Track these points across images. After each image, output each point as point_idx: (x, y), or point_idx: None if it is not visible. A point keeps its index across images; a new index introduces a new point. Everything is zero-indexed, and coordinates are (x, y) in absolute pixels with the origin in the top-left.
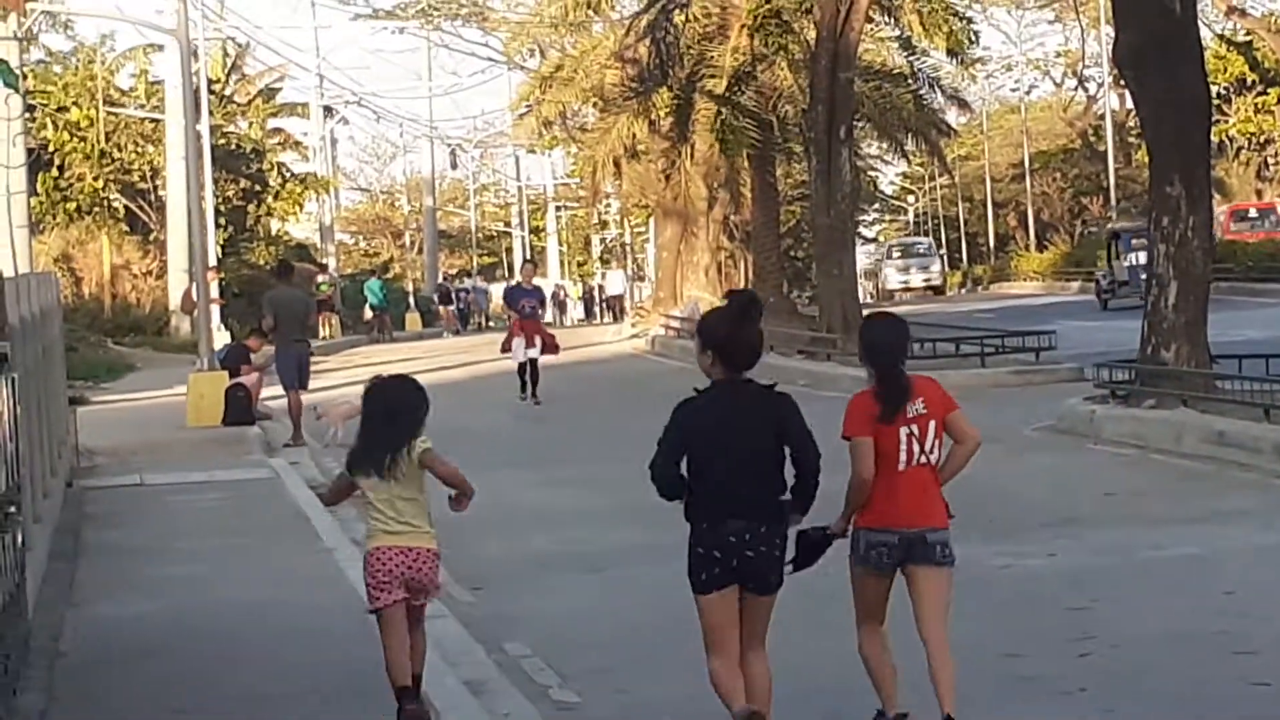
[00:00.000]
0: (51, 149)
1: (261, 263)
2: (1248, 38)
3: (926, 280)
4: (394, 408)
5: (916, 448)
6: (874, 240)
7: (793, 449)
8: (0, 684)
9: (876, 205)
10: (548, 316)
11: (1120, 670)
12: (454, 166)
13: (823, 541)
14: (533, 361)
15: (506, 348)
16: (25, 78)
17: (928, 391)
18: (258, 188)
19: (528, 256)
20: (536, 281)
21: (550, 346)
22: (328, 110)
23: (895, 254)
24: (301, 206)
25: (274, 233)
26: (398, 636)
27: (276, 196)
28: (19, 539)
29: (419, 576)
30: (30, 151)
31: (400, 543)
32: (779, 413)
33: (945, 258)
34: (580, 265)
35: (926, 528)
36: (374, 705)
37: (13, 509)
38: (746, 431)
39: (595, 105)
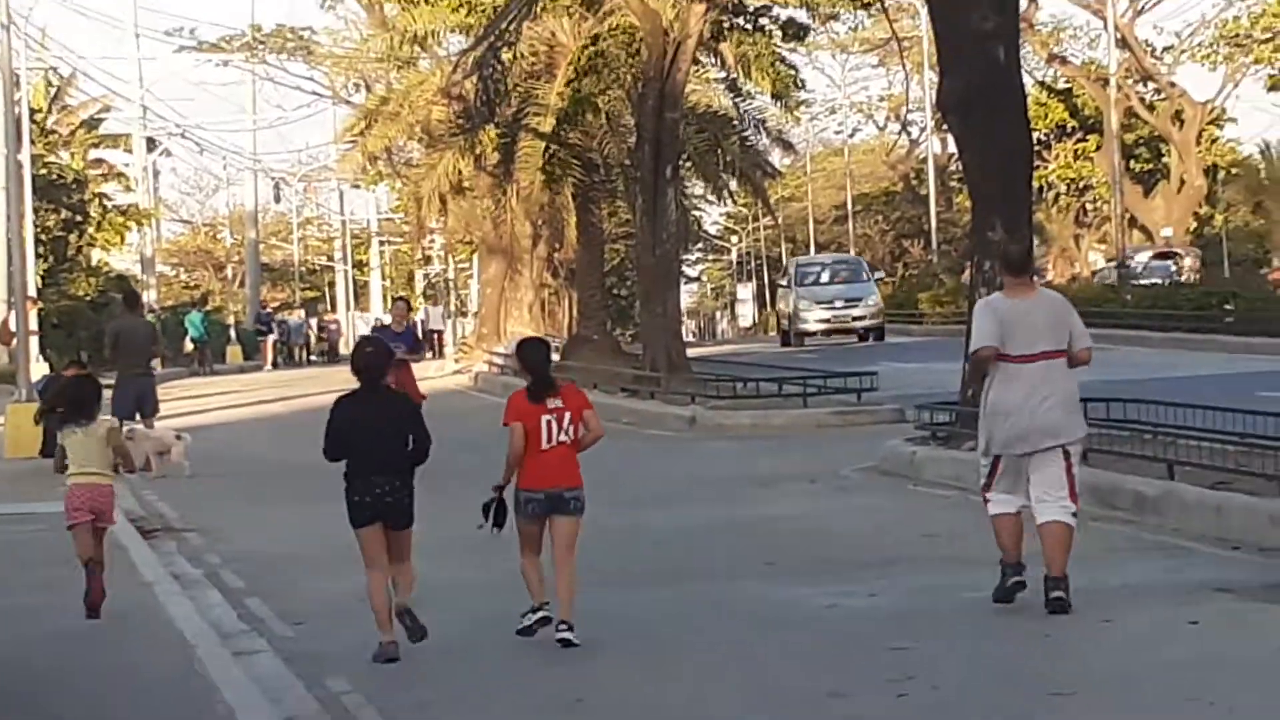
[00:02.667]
0: None
1: (82, 294)
2: (1068, 85)
3: (859, 318)
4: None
5: (556, 431)
6: (696, 279)
7: (416, 432)
8: None
9: (700, 245)
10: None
11: (940, 710)
12: (277, 200)
13: (497, 501)
14: None
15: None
16: None
17: (567, 393)
18: (79, 218)
19: (398, 295)
20: (424, 316)
21: (415, 395)
22: (151, 142)
23: (809, 279)
24: (124, 238)
25: (95, 263)
26: (83, 543)
27: (98, 227)
28: None
29: (100, 505)
30: None
31: (86, 482)
32: (407, 408)
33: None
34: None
35: (565, 487)
36: None
37: None
38: (390, 417)
39: (421, 141)
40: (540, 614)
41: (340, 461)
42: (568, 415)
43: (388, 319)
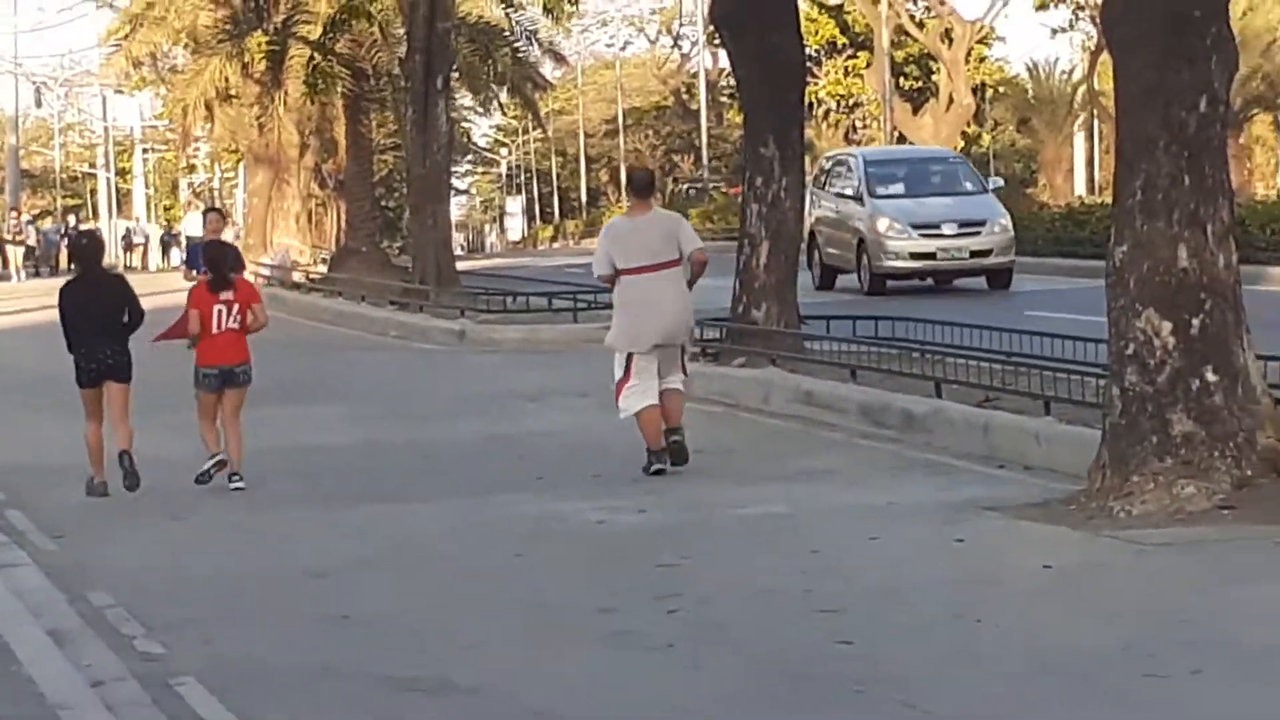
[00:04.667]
0: None
1: None
2: (839, 2)
3: (982, 253)
4: None
5: (226, 318)
6: (465, 192)
7: (131, 308)
8: None
9: (470, 157)
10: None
11: (708, 627)
12: (39, 105)
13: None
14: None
15: (179, 333)
16: None
17: (239, 286)
18: None
19: (213, 205)
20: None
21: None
22: None
23: (888, 185)
24: None
25: None
26: None
27: None
28: None
29: None
30: None
31: None
32: (122, 286)
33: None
34: (167, 210)
35: (235, 364)
36: None
37: None
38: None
39: (187, 47)
40: (216, 459)
41: (71, 337)
42: (236, 306)
43: (150, 227)
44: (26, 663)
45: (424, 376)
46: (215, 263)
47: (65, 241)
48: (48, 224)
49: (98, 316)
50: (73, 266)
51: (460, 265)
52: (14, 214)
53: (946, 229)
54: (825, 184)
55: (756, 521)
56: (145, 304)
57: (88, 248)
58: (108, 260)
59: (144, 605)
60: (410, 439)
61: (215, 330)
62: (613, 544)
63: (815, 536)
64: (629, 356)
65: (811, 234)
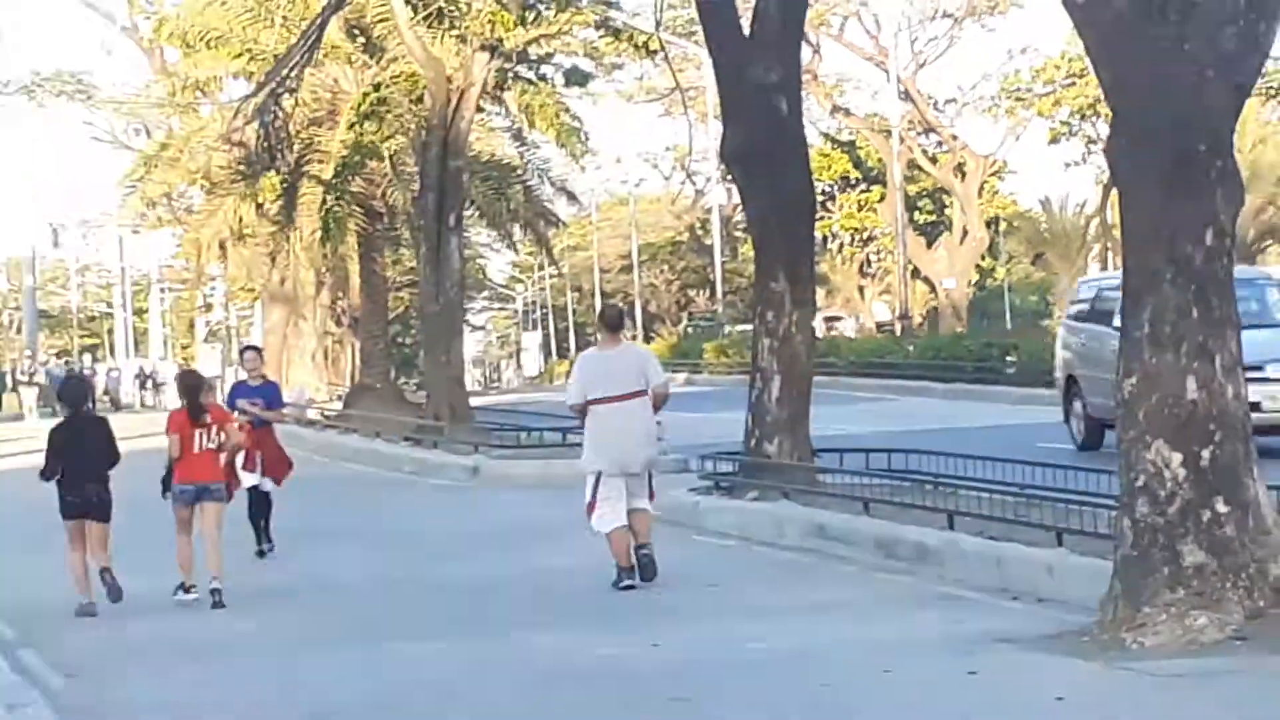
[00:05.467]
0: None
1: None
2: (852, 137)
3: None
4: None
5: (204, 440)
6: (482, 328)
7: (109, 451)
8: None
9: (486, 293)
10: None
11: None
12: (55, 245)
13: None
14: (262, 495)
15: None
16: None
17: (213, 411)
18: None
19: (249, 343)
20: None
21: (275, 468)
22: None
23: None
24: None
25: None
26: None
27: None
28: None
29: None
30: None
31: None
32: (106, 430)
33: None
34: (184, 348)
35: (209, 481)
36: None
37: None
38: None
39: (202, 187)
40: (191, 594)
41: (53, 479)
42: (213, 429)
43: (147, 365)
44: None
45: (438, 512)
46: (191, 390)
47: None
48: (54, 365)
49: (81, 457)
50: (59, 409)
51: (475, 401)
52: (28, 355)
53: (1272, 370)
54: (1090, 316)
55: (769, 655)
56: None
57: (74, 391)
58: (128, 398)
59: None
60: (424, 575)
61: (195, 450)
62: (626, 679)
63: (828, 670)
64: (597, 479)
65: (1069, 380)
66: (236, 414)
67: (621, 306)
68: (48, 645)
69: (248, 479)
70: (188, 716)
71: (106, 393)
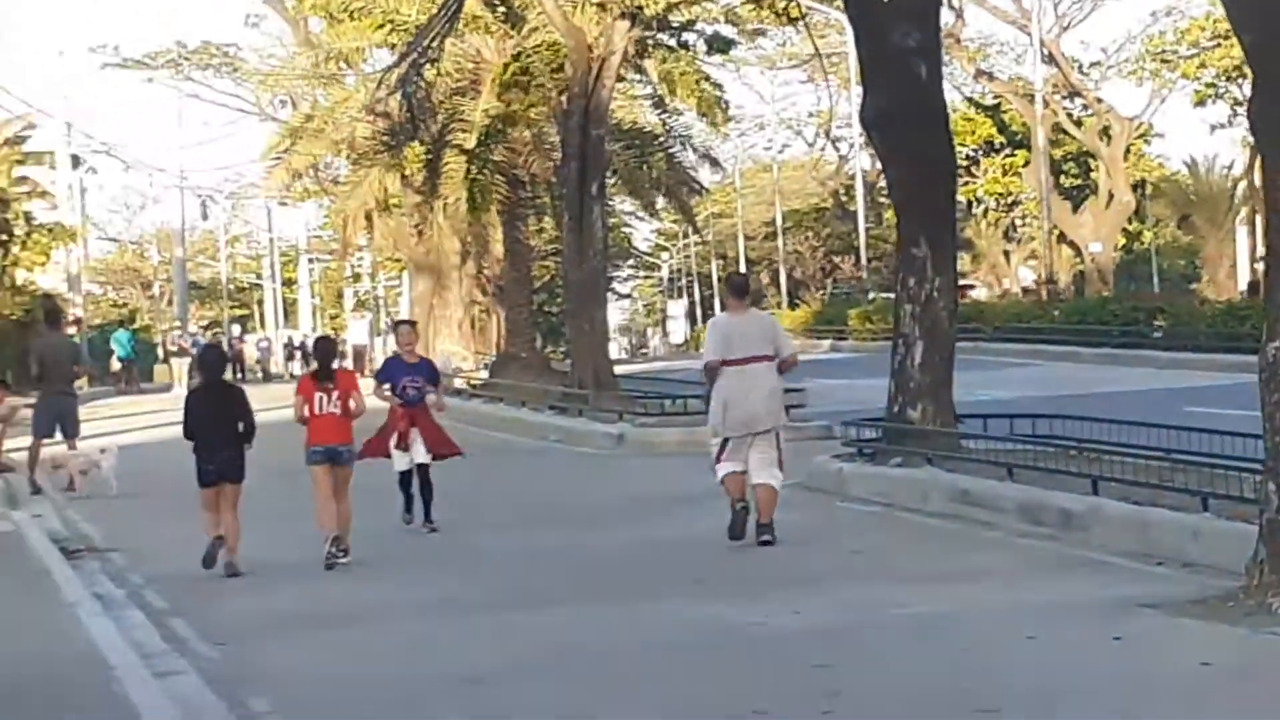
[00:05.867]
0: None
1: (7, 313)
2: (995, 101)
3: None
4: None
5: (325, 403)
6: (628, 296)
7: (246, 421)
8: None
9: (631, 261)
10: (288, 367)
11: None
12: (205, 217)
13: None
14: (421, 468)
15: (377, 450)
16: None
17: (340, 377)
18: (3, 237)
19: (402, 317)
20: (424, 351)
21: (440, 445)
22: (76, 159)
23: None
24: (49, 257)
25: (20, 283)
26: None
27: (23, 246)
28: None
29: None
30: None
31: None
32: (240, 397)
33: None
34: (333, 318)
35: (337, 444)
36: None
37: None
38: (228, 405)
39: (347, 158)
40: (330, 548)
41: (194, 441)
42: (336, 394)
43: (296, 335)
44: None
45: (582, 480)
46: (322, 355)
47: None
48: (201, 336)
49: (215, 423)
50: (196, 378)
51: (621, 369)
52: (178, 326)
53: None
54: None
55: (913, 621)
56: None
57: (210, 359)
58: (277, 369)
59: (304, 712)
60: (566, 543)
61: (318, 412)
62: (769, 646)
63: (972, 636)
64: (724, 442)
65: None
66: (389, 390)
67: (747, 273)
68: (197, 614)
69: (400, 459)
70: (335, 685)
71: (258, 363)
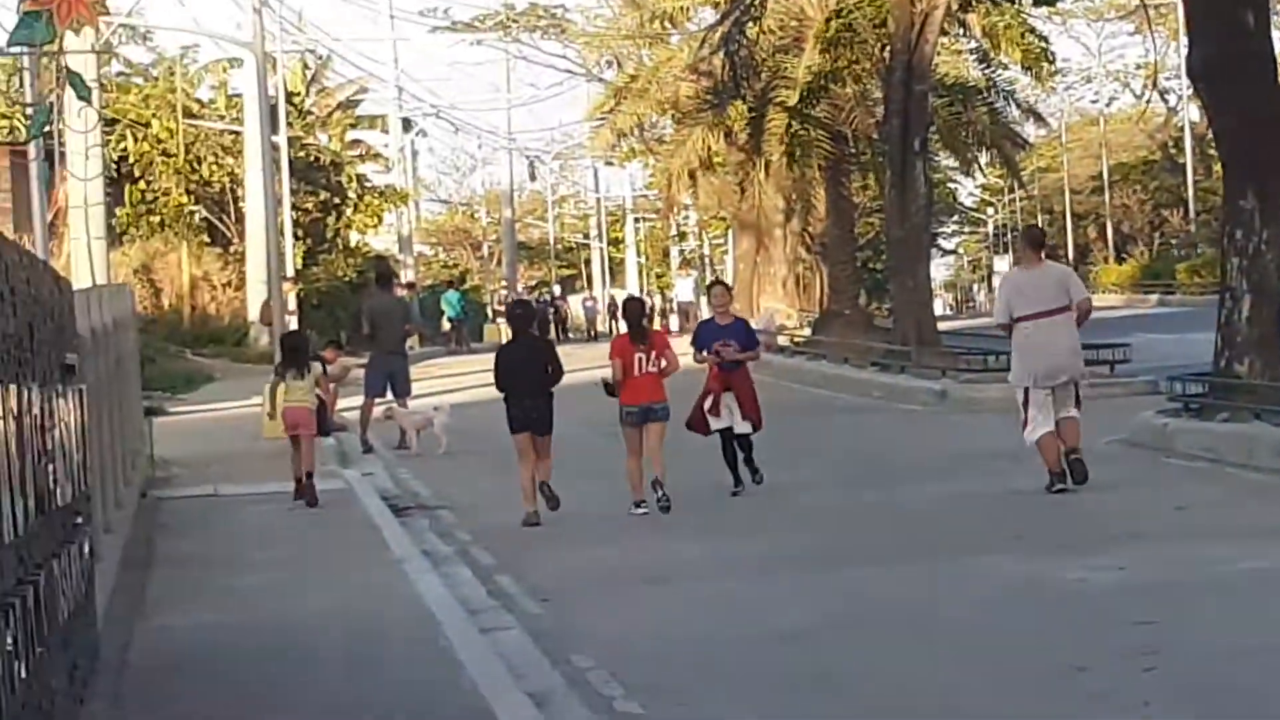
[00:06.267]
0: (132, 161)
1: (341, 275)
2: None
3: None
4: (294, 347)
5: (645, 364)
6: (953, 252)
7: (553, 366)
8: (66, 693)
9: (956, 217)
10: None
11: (1187, 686)
12: (533, 178)
13: (609, 388)
14: (740, 438)
15: (699, 425)
16: (105, 89)
17: (653, 336)
18: (337, 200)
19: (717, 277)
20: (741, 310)
21: (754, 412)
22: (406, 123)
23: None
24: (380, 219)
25: (353, 245)
26: (297, 459)
27: (356, 208)
28: (86, 548)
29: (301, 420)
30: (116, 163)
31: (294, 406)
32: (547, 349)
33: None
34: (659, 277)
35: (652, 402)
36: None
37: (79, 519)
38: (535, 357)
39: (672, 117)
40: (642, 508)
41: (504, 391)
42: (652, 354)
43: (620, 294)
44: None
45: (904, 437)
46: (633, 315)
47: (551, 311)
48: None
49: (523, 375)
50: (508, 331)
51: (945, 325)
52: (505, 286)
53: None
54: None
55: (1239, 579)
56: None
57: (520, 316)
58: (603, 327)
59: (624, 667)
60: (887, 499)
61: (636, 374)
62: (1091, 603)
63: None
64: (1026, 393)
65: None
66: (705, 355)
67: (1042, 228)
68: (522, 570)
69: (715, 423)
70: (655, 640)
71: (586, 321)
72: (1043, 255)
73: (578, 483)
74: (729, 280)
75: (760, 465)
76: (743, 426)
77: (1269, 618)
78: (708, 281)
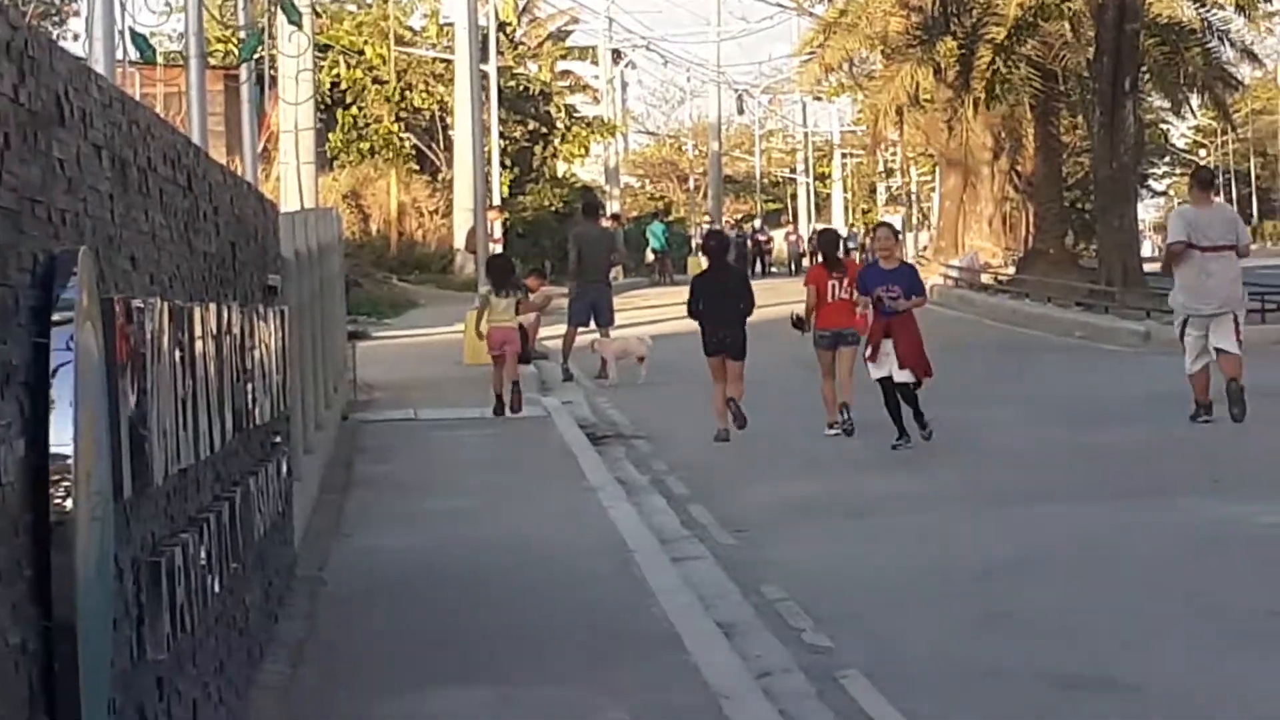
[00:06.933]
0: (344, 87)
1: (547, 204)
2: None
3: None
4: (501, 269)
5: (837, 290)
6: (1164, 194)
7: (745, 298)
8: (262, 610)
9: (1167, 159)
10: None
11: None
12: (740, 112)
13: (798, 321)
14: (902, 389)
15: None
16: (319, 15)
17: (848, 265)
18: (545, 130)
19: (883, 219)
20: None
21: (916, 363)
22: (616, 54)
23: None
24: (588, 150)
25: (560, 175)
26: (498, 375)
27: (564, 139)
28: (284, 468)
29: (507, 338)
30: (328, 89)
31: (499, 326)
32: (740, 278)
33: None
34: (865, 213)
35: (843, 328)
36: (623, 646)
37: (278, 439)
38: (728, 286)
39: (881, 53)
40: (834, 429)
41: (695, 317)
42: (845, 281)
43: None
44: (694, 652)
45: (1105, 378)
46: (827, 245)
47: (750, 246)
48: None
49: (716, 302)
50: (704, 261)
51: (1151, 266)
52: (711, 220)
53: None
54: None
55: None
56: None
57: (715, 248)
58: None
59: (815, 600)
60: (1086, 440)
61: (829, 299)
62: None
63: None
64: (1185, 321)
65: None
66: (866, 300)
67: (1212, 169)
68: (716, 502)
69: (874, 370)
70: (843, 573)
71: (793, 257)
72: (1211, 194)
73: (776, 417)
74: (935, 218)
75: (957, 400)
76: (902, 376)
77: None
78: (876, 222)
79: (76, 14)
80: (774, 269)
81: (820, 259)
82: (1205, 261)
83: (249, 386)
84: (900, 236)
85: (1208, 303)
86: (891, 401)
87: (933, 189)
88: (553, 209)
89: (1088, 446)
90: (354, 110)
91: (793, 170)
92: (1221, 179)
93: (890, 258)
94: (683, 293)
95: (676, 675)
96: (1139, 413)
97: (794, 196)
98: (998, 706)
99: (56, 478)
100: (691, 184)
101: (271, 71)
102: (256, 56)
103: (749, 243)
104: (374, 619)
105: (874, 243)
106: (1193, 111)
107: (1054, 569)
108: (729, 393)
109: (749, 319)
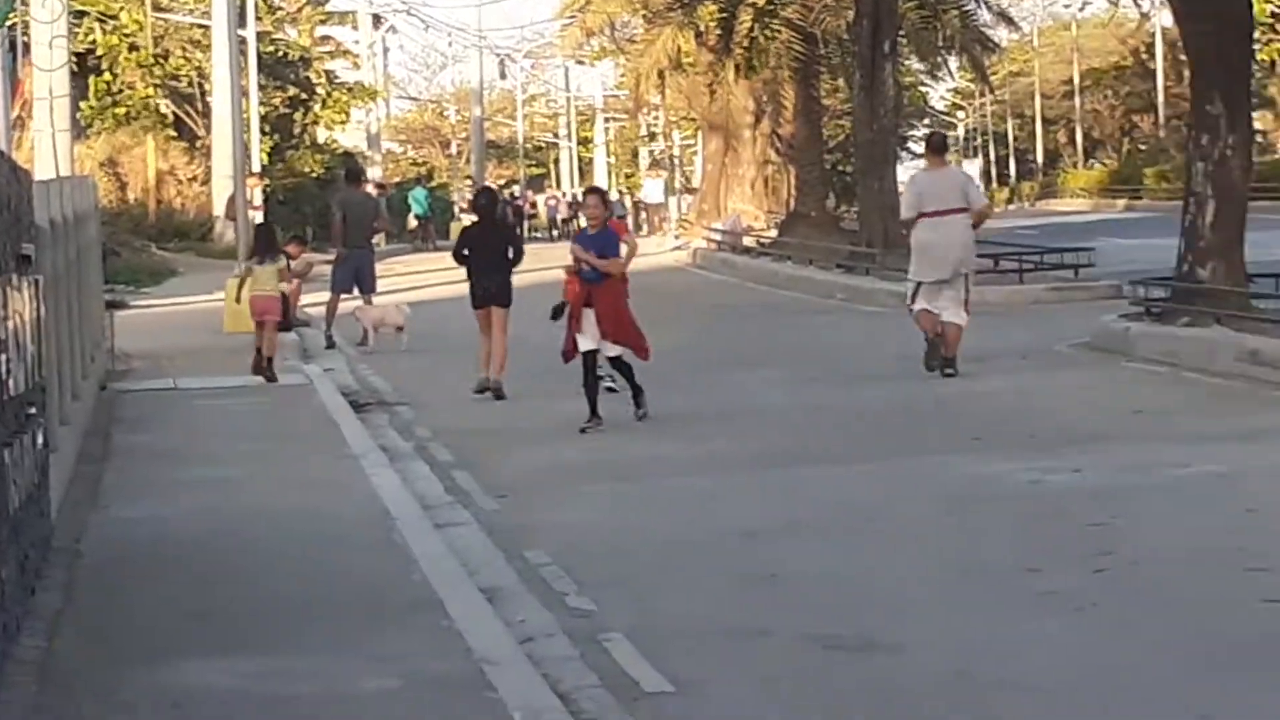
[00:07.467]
0: (100, 53)
1: (308, 171)
2: None
3: None
4: (264, 237)
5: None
6: (922, 156)
7: (514, 247)
8: (18, 583)
9: (927, 120)
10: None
11: (1137, 586)
12: (503, 77)
13: (557, 311)
14: (611, 361)
15: (567, 348)
16: None
17: (613, 225)
18: (305, 96)
19: (594, 186)
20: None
21: (617, 334)
22: (376, 19)
23: None
24: (348, 115)
25: (321, 141)
26: (262, 337)
27: (324, 105)
28: (39, 439)
29: (267, 308)
30: (80, 55)
31: (260, 294)
32: (510, 230)
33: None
34: (628, 177)
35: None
36: (386, 614)
37: (32, 410)
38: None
39: (642, 16)
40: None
41: (459, 261)
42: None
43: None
44: (458, 619)
45: (866, 339)
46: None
47: (510, 211)
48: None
49: (486, 253)
50: (471, 216)
51: None
52: (471, 185)
53: None
54: None
55: (1193, 481)
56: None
57: (485, 205)
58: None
59: (579, 564)
60: (848, 401)
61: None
62: (1045, 504)
63: (1253, 496)
64: (917, 287)
65: None
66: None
67: (945, 133)
68: (481, 467)
69: (582, 342)
70: (611, 537)
71: (551, 221)
72: (944, 159)
73: (536, 383)
74: (697, 181)
75: (721, 361)
76: (611, 350)
77: (1219, 520)
78: (663, 176)
79: None
80: (537, 234)
81: (585, 223)
82: (936, 227)
83: (2, 357)
84: (626, 203)
85: (939, 270)
86: (590, 380)
87: (694, 153)
88: (314, 175)
89: (851, 407)
90: (108, 76)
91: (556, 135)
92: (979, 140)
93: (597, 223)
94: (445, 260)
95: (440, 642)
96: (899, 372)
97: (557, 161)
98: (761, 667)
99: None
100: (454, 149)
101: (24, 38)
102: (10, 23)
103: (509, 210)
104: (132, 591)
105: (586, 202)
106: (951, 74)
107: (819, 530)
108: (491, 370)
109: (516, 268)
